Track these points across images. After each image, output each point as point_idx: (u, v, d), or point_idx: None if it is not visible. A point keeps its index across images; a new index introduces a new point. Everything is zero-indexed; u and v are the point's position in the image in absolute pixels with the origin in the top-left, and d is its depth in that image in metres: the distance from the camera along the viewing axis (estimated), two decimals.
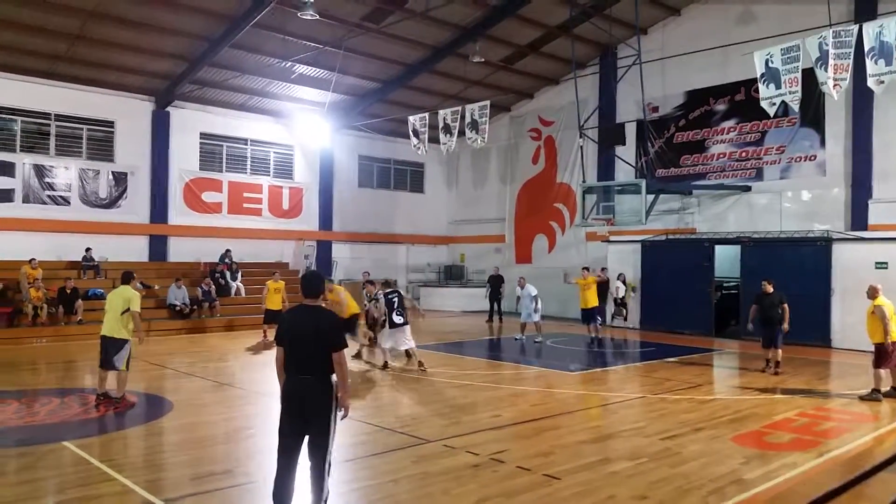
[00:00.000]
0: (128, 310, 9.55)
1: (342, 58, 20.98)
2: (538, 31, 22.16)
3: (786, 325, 12.91)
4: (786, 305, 12.90)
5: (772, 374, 12.89)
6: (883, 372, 10.64)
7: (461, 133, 19.44)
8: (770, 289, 13.24)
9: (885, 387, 10.70)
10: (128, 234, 21.62)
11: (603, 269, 21.15)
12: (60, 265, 19.75)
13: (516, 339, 17.84)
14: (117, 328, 9.59)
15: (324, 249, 26.17)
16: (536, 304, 17.51)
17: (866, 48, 12.44)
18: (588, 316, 17.49)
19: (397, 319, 13.11)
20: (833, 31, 12.83)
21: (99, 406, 9.58)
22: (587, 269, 18.60)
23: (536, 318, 17.61)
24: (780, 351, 13.05)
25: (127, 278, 9.98)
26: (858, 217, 18.30)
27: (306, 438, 5.29)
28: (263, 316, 17.48)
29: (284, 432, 5.30)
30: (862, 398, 10.58)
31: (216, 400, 10.51)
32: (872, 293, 10.87)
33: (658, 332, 19.48)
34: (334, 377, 5.30)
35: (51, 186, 20.32)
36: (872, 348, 10.83)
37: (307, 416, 5.24)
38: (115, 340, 9.59)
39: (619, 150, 21.95)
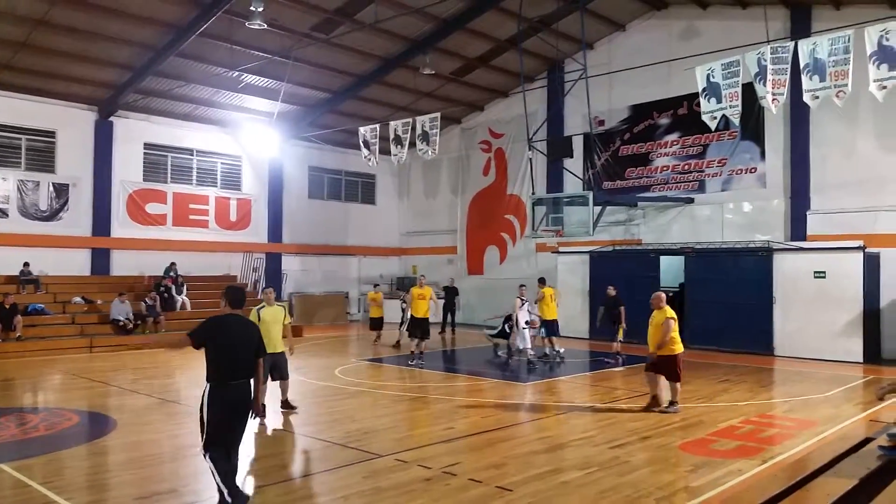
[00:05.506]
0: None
1: (291, 68, 20.82)
2: (488, 45, 22.39)
3: (622, 325, 15.41)
4: (622, 309, 15.33)
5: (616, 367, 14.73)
6: (671, 384, 10.35)
7: (412, 144, 19.44)
8: (613, 293, 15.74)
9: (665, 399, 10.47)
10: (69, 248, 20.99)
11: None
12: None
13: (499, 355, 16.55)
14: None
15: (273, 262, 25.83)
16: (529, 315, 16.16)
17: (801, 64, 12.89)
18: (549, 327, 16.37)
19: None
20: (771, 48, 13.27)
21: None
22: (543, 279, 17.19)
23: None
24: (617, 344, 15.44)
25: None
26: (797, 228, 18.87)
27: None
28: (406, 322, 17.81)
29: (230, 436, 5.84)
30: (662, 412, 10.29)
31: (161, 417, 10.27)
32: (657, 303, 10.40)
33: (607, 342, 19.67)
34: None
35: None
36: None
37: (245, 416, 5.93)
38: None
39: (567, 162, 22.28)
